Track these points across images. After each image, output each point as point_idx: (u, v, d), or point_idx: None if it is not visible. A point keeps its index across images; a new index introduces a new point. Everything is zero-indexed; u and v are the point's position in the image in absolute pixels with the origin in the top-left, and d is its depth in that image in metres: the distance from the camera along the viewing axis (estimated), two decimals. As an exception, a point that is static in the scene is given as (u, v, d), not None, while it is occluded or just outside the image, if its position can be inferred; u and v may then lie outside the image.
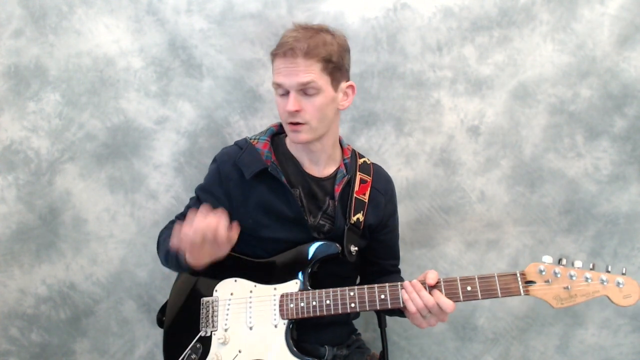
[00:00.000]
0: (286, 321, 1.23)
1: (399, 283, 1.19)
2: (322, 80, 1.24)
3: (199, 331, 1.27)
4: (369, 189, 1.38)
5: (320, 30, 1.27)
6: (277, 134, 1.41)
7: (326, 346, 1.35)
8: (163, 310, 1.40)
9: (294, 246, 1.29)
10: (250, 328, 1.24)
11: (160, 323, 1.40)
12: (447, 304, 1.13)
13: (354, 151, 1.45)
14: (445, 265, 1.75)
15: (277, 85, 1.26)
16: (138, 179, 1.69)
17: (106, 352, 1.72)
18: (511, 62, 1.69)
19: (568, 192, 1.73)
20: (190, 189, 1.69)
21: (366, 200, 1.37)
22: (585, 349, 1.77)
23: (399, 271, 1.52)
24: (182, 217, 1.36)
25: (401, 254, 1.75)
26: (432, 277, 1.17)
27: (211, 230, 1.10)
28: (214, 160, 1.39)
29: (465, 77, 1.69)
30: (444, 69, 1.69)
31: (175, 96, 1.67)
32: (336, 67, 1.27)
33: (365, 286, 1.20)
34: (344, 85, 1.31)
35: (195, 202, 1.37)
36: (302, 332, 1.27)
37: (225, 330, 1.25)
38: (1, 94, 1.64)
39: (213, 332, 1.26)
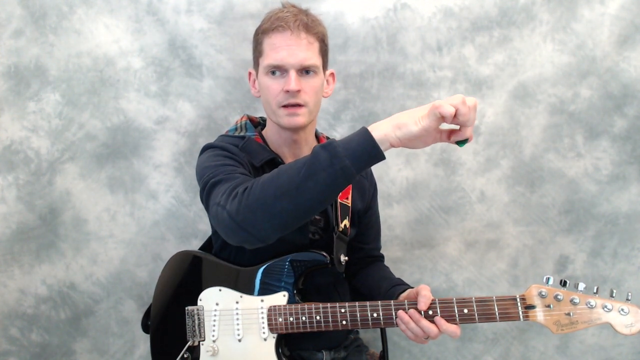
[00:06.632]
0: (275, 335, 1.19)
1: (392, 302, 1.14)
2: (319, 61, 1.22)
3: (186, 340, 1.23)
4: (350, 191, 1.34)
5: (308, 11, 1.24)
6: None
7: (323, 351, 1.32)
8: (148, 314, 1.35)
9: (290, 250, 1.22)
10: (239, 340, 1.21)
11: (145, 328, 1.36)
12: (455, 333, 1.09)
13: (328, 140, 1.41)
14: (445, 266, 1.75)
15: (275, 67, 1.19)
16: (138, 179, 1.69)
17: (106, 352, 1.71)
18: (511, 62, 1.69)
19: (568, 192, 1.73)
20: (190, 189, 1.69)
21: (349, 205, 1.33)
22: (585, 349, 1.77)
23: (382, 257, 1.50)
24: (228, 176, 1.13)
25: (401, 254, 1.75)
26: (424, 302, 1.10)
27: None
28: (211, 147, 1.25)
29: (465, 77, 1.69)
30: (444, 69, 1.69)
31: (175, 96, 1.67)
32: (327, 50, 1.26)
33: (357, 303, 1.15)
34: (327, 72, 1.30)
35: (231, 166, 1.17)
36: (297, 337, 1.22)
37: (214, 341, 1.22)
38: (1, 94, 1.64)
39: (201, 342, 1.23)
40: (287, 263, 1.21)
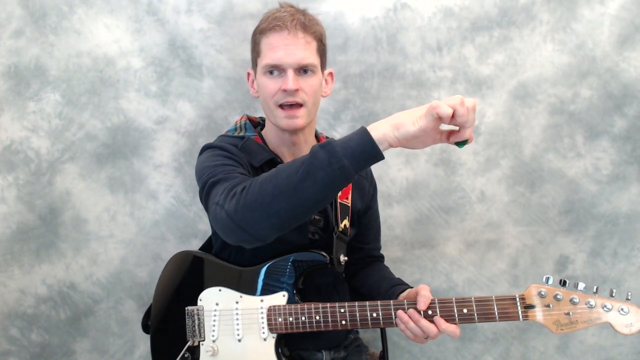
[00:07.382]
0: (275, 334, 1.19)
1: (392, 302, 1.14)
2: (317, 60, 1.22)
3: (186, 340, 1.23)
4: (350, 192, 1.34)
5: (305, 11, 1.24)
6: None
7: (323, 351, 1.32)
8: (148, 315, 1.35)
9: (289, 251, 1.22)
10: (239, 340, 1.20)
11: (145, 328, 1.36)
12: (454, 333, 1.09)
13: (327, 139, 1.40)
14: (445, 266, 1.75)
15: (272, 67, 1.19)
16: (138, 179, 1.69)
17: (106, 352, 1.71)
18: (511, 62, 1.69)
19: (568, 192, 1.73)
20: (190, 189, 1.69)
21: (349, 205, 1.33)
22: (585, 349, 1.77)
23: (382, 258, 1.50)
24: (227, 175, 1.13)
25: (401, 254, 1.75)
26: (423, 302, 1.10)
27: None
28: (211, 147, 1.25)
29: (465, 77, 1.69)
30: (444, 69, 1.69)
31: (175, 96, 1.67)
32: (324, 49, 1.26)
33: (357, 303, 1.16)
34: (325, 71, 1.30)
35: (230, 166, 1.17)
36: (297, 337, 1.22)
37: (214, 341, 1.22)
38: (1, 94, 1.64)
39: (201, 342, 1.22)
40: (289, 263, 1.22)
